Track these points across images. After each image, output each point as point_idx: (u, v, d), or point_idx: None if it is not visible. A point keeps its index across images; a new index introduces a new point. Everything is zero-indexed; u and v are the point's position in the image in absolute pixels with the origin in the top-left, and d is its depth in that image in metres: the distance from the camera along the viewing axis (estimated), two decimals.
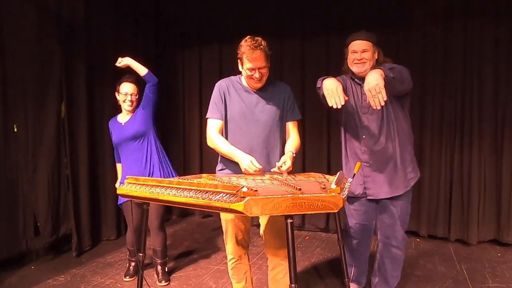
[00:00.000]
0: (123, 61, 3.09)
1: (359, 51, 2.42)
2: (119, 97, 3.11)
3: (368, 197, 2.56)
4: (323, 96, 2.29)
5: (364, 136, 2.52)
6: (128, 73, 3.14)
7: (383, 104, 2.06)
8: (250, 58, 2.11)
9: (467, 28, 3.84)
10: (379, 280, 2.73)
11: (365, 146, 2.52)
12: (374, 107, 2.09)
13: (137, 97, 3.12)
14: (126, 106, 3.09)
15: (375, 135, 2.50)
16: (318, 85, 2.44)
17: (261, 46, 2.12)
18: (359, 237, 2.70)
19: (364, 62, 2.42)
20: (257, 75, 2.16)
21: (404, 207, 2.57)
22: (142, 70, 3.07)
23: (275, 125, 2.28)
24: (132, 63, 3.08)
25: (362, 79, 2.43)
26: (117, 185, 3.29)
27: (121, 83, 3.10)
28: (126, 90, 3.07)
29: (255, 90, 2.28)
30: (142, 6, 4.63)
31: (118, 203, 3.31)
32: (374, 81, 2.06)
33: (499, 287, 3.02)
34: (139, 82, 3.15)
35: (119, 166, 3.28)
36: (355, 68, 2.46)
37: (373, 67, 2.39)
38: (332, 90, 2.17)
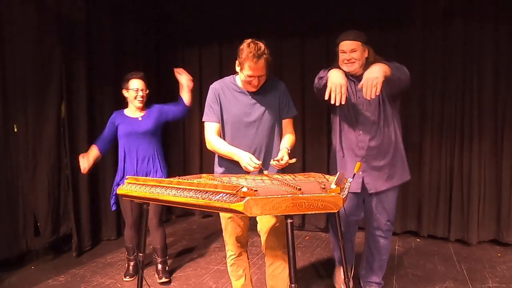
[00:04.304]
0: (182, 78, 3.21)
1: (348, 51, 2.47)
2: (129, 94, 3.07)
3: (370, 191, 2.61)
4: (324, 85, 2.31)
5: (360, 132, 2.56)
6: (135, 70, 3.15)
7: (373, 97, 2.18)
8: (252, 67, 2.10)
9: (467, 28, 3.83)
10: (366, 273, 2.81)
11: (362, 142, 2.56)
12: (365, 96, 2.20)
13: (147, 92, 3.11)
14: (137, 102, 3.07)
15: (371, 131, 2.55)
16: (321, 75, 2.45)
17: (264, 55, 2.09)
18: (347, 230, 2.74)
19: (353, 62, 2.47)
20: (255, 82, 2.17)
21: (391, 198, 2.66)
22: (188, 99, 3.23)
23: (272, 124, 2.28)
24: (186, 86, 3.21)
25: (356, 76, 2.49)
26: (82, 163, 3.04)
27: (129, 79, 3.06)
28: (137, 86, 3.05)
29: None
30: (142, 6, 4.63)
31: (112, 209, 3.27)
32: (375, 73, 2.16)
33: (499, 287, 3.02)
34: (147, 78, 3.15)
35: (94, 148, 3.09)
36: (345, 68, 2.49)
37: (362, 66, 2.47)
38: (336, 86, 2.23)
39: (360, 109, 2.54)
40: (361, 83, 2.23)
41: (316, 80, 2.54)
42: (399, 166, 2.63)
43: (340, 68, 2.53)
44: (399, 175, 2.64)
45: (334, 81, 2.25)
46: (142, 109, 3.13)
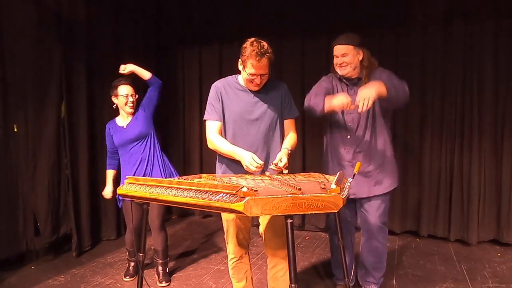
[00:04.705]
0: (128, 68, 3.11)
1: (339, 56, 2.51)
2: (119, 100, 3.07)
3: (352, 196, 2.60)
4: (321, 111, 2.40)
5: (348, 137, 2.59)
6: (121, 77, 3.14)
7: (364, 110, 2.22)
8: (255, 65, 2.10)
9: (467, 28, 3.83)
10: (365, 273, 2.82)
11: (349, 146, 2.59)
12: (358, 111, 2.25)
13: (136, 97, 3.12)
14: (128, 108, 3.07)
15: (359, 136, 2.57)
16: (316, 101, 2.47)
17: (267, 54, 2.10)
18: (347, 236, 2.75)
19: (345, 66, 2.51)
20: (258, 80, 2.16)
21: (383, 203, 2.65)
22: (146, 74, 3.11)
23: (274, 124, 2.28)
24: (136, 69, 3.11)
25: (349, 79, 2.55)
26: (104, 192, 3.24)
27: (117, 86, 3.07)
28: (126, 92, 3.05)
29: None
30: (142, 6, 4.63)
31: (119, 205, 3.30)
32: (369, 92, 2.20)
33: (499, 287, 3.02)
34: (134, 83, 3.15)
35: (110, 173, 3.23)
36: (338, 71, 2.55)
37: (357, 69, 2.51)
38: (343, 105, 2.26)
39: (351, 113, 2.57)
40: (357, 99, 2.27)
41: (309, 102, 2.53)
42: (387, 173, 2.63)
43: (335, 71, 2.58)
44: (388, 182, 2.64)
45: (341, 102, 2.26)
46: (133, 114, 3.13)
